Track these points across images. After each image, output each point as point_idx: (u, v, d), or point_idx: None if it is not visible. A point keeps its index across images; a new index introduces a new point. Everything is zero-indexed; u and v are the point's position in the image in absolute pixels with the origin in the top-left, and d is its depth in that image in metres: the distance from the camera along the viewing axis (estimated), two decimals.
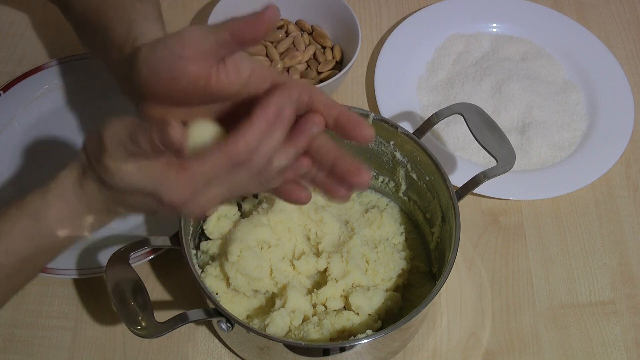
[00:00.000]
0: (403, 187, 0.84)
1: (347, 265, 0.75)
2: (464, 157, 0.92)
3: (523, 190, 0.89)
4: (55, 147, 0.92)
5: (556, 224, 0.89)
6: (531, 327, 0.81)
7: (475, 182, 0.74)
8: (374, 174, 0.86)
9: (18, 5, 1.07)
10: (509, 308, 0.83)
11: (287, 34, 1.00)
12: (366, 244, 0.78)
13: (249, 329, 0.66)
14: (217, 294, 0.75)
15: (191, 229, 0.75)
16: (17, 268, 0.59)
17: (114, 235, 0.84)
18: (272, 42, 0.98)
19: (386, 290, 0.77)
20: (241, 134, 0.50)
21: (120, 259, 0.67)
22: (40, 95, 0.95)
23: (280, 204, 0.77)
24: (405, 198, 0.84)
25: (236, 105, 0.57)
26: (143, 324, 0.64)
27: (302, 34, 1.00)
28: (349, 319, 0.73)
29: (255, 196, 0.84)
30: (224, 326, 0.67)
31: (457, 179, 0.87)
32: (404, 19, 1.04)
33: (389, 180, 0.85)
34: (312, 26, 1.01)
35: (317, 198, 0.82)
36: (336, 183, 0.55)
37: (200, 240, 0.80)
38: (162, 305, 0.82)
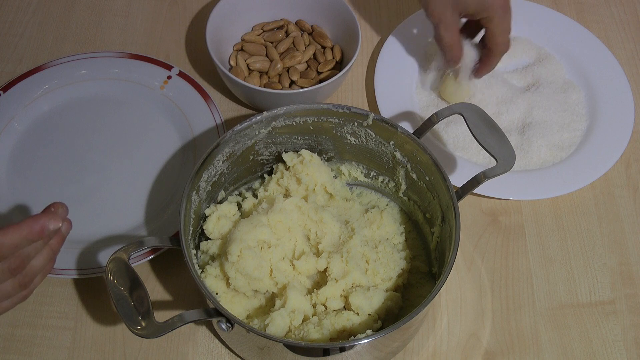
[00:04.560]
0: (403, 187, 0.84)
1: (347, 265, 0.75)
2: (464, 157, 0.92)
3: (523, 190, 0.89)
4: (55, 147, 0.91)
5: (556, 224, 0.89)
6: (531, 327, 0.81)
7: (475, 182, 0.74)
8: (374, 174, 0.86)
9: (18, 5, 1.07)
10: (509, 308, 0.83)
11: (287, 34, 1.00)
12: (366, 244, 0.78)
13: (249, 329, 0.66)
14: (217, 294, 0.75)
15: (191, 229, 0.75)
16: None
17: (114, 235, 0.84)
18: (272, 42, 0.98)
19: (386, 290, 0.77)
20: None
21: (120, 259, 0.67)
22: (40, 95, 0.95)
23: (280, 203, 0.77)
24: (405, 198, 0.84)
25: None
26: (143, 324, 0.64)
27: (302, 34, 1.00)
28: (349, 319, 0.73)
29: (255, 195, 0.84)
30: (223, 326, 0.67)
31: (457, 179, 0.87)
32: (404, 18, 1.04)
33: (389, 180, 0.85)
34: (312, 26, 1.01)
35: (317, 198, 0.82)
36: None
37: (200, 240, 0.80)
38: (162, 305, 0.82)
